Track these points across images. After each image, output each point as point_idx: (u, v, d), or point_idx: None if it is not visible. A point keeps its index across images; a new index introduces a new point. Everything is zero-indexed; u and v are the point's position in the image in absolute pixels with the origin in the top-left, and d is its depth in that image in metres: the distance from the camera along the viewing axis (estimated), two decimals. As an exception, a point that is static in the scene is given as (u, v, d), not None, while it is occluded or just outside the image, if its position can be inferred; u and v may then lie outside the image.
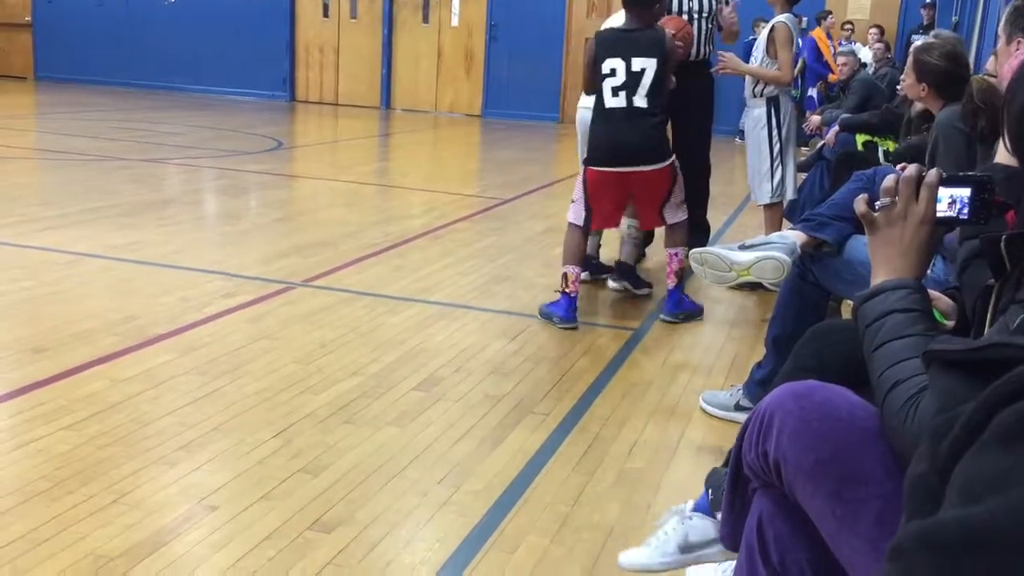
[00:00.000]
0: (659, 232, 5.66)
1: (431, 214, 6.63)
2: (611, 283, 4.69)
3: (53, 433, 2.73)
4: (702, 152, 5.43)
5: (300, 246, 5.30)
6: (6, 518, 2.25)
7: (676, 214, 4.29)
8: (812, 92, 10.83)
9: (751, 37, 8.64)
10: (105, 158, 8.22)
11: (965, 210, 1.36)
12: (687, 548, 2.17)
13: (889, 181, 1.42)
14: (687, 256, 3.99)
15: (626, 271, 4.67)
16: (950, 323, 1.79)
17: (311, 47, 15.62)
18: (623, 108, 4.08)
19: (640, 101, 4.08)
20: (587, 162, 4.18)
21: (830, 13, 12.07)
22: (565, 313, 4.10)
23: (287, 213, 6.60)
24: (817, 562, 1.39)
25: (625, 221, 4.66)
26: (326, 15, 15.44)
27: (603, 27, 4.42)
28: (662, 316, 4.28)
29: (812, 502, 1.33)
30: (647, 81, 4.07)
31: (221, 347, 3.54)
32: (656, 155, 4.14)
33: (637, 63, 4.07)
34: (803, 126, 7.59)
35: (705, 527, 2.17)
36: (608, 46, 4.12)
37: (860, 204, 1.43)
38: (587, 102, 4.51)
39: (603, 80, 4.10)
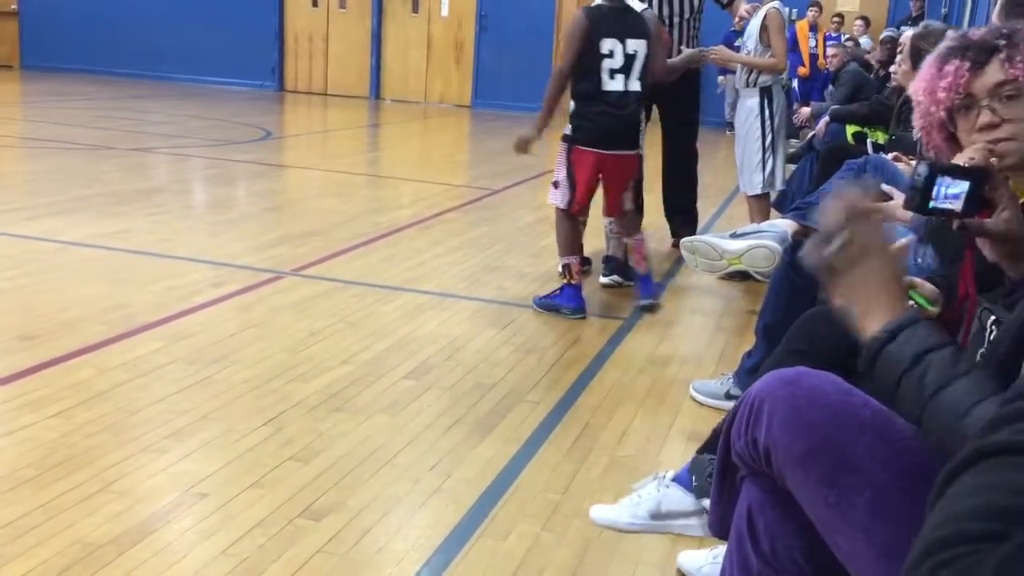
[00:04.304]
0: (646, 223, 5.67)
1: (421, 204, 6.61)
2: (603, 279, 4.65)
3: (41, 421, 2.71)
4: (689, 140, 5.50)
5: (290, 235, 5.28)
6: (-6, 505, 2.24)
7: (628, 201, 4.29)
8: (794, 83, 10.84)
9: (731, 28, 8.63)
10: (92, 147, 8.16)
11: (959, 203, 1.36)
12: (658, 515, 2.18)
13: (829, 216, 1.29)
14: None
15: (614, 265, 4.66)
16: (935, 309, 1.79)
17: (300, 36, 15.55)
18: (620, 92, 4.03)
19: (634, 84, 4.05)
20: (574, 141, 4.08)
21: (818, 5, 12.07)
22: (576, 303, 4.08)
23: (276, 202, 6.57)
24: (809, 549, 1.39)
25: (607, 219, 4.65)
26: (315, 4, 15.36)
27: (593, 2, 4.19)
28: (642, 303, 4.24)
29: (804, 490, 1.33)
30: (639, 64, 4.05)
31: (210, 336, 3.52)
32: (636, 140, 4.17)
33: (631, 45, 4.02)
34: (792, 118, 7.61)
35: (680, 499, 2.18)
36: (604, 25, 4.00)
37: (811, 255, 1.29)
38: None
39: (601, 60, 4.00)
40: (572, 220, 4.18)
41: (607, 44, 4.00)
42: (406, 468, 2.58)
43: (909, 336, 1.24)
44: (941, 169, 1.36)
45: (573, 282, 4.11)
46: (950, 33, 1.77)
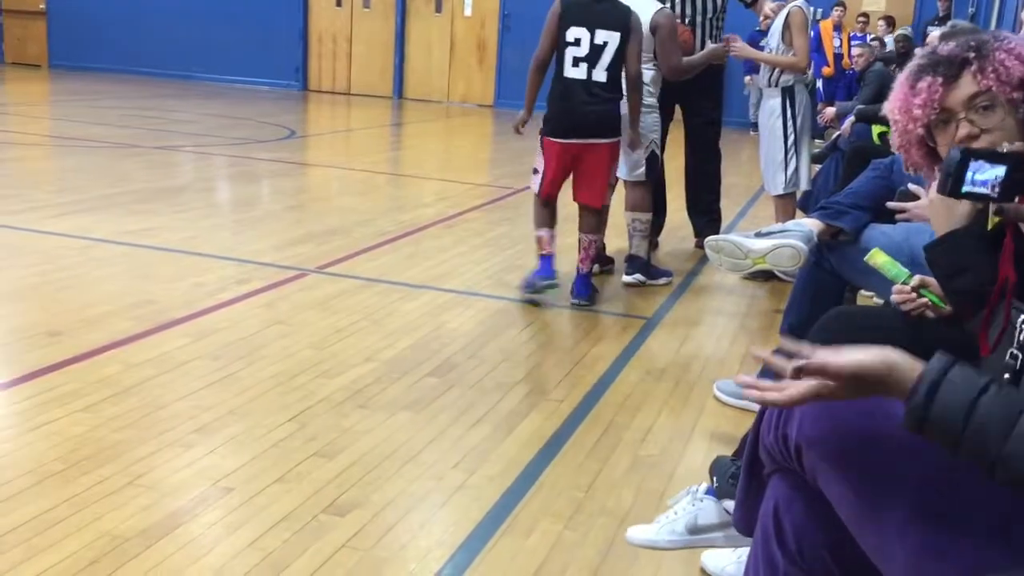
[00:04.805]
0: (670, 222, 5.66)
1: (443, 203, 6.62)
2: (625, 278, 4.64)
3: (68, 416, 2.74)
4: (712, 139, 5.48)
5: (313, 233, 5.30)
6: (21, 498, 2.26)
7: (608, 195, 4.32)
8: (819, 83, 10.78)
9: (756, 28, 8.59)
10: (119, 145, 8.23)
11: (996, 188, 1.35)
12: (695, 530, 2.17)
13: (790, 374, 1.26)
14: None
15: (639, 264, 4.64)
16: (948, 308, 1.78)
17: (324, 36, 15.61)
18: (582, 80, 4.06)
19: (599, 75, 4.06)
20: (542, 132, 4.20)
21: (842, 5, 11.99)
22: (544, 272, 4.17)
23: (300, 201, 6.61)
24: (837, 548, 1.38)
25: (629, 215, 4.64)
26: (339, 4, 15.42)
27: None
28: (573, 300, 4.20)
29: (836, 487, 1.32)
30: (608, 55, 4.05)
31: (236, 332, 3.54)
32: (607, 129, 4.14)
33: (601, 35, 4.04)
34: (817, 118, 7.56)
35: (716, 511, 2.17)
36: (574, 14, 4.07)
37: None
38: None
39: (565, 48, 4.07)
40: (544, 204, 4.28)
41: (573, 32, 4.05)
42: (430, 465, 2.59)
43: (949, 390, 1.17)
44: (974, 153, 1.36)
45: (543, 252, 4.21)
46: (918, 51, 1.78)
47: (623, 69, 4.12)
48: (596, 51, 4.04)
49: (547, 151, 4.19)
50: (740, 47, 4.90)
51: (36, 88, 13.76)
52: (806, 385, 1.21)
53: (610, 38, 4.04)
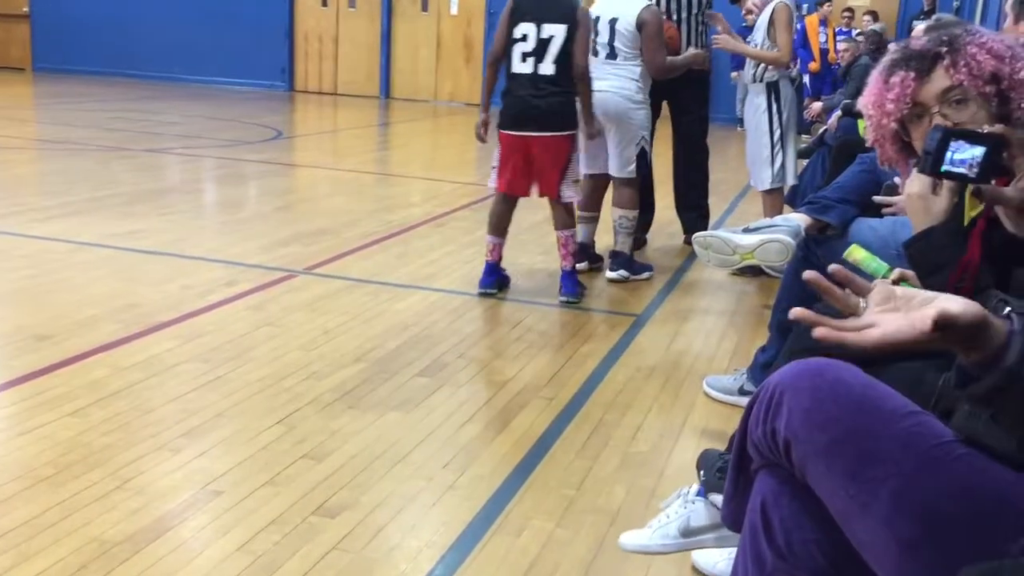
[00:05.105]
0: (658, 219, 5.67)
1: (432, 202, 6.62)
2: (609, 273, 4.66)
3: (57, 420, 2.72)
4: (699, 135, 5.49)
5: (301, 234, 5.29)
6: (11, 503, 2.25)
7: (568, 192, 4.28)
8: (806, 79, 10.81)
9: (743, 24, 8.61)
10: (104, 148, 8.20)
11: (975, 168, 1.36)
12: (688, 532, 2.17)
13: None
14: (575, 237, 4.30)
15: (622, 260, 4.66)
16: None
17: (310, 36, 15.58)
18: (529, 75, 4.12)
19: (546, 69, 4.10)
20: (499, 126, 4.27)
21: (828, 0, 12.02)
22: (483, 280, 4.26)
23: (288, 202, 6.59)
24: (827, 543, 1.38)
25: (616, 211, 4.65)
26: (325, 4, 15.39)
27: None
28: (562, 298, 4.22)
29: (824, 482, 1.32)
30: (554, 49, 4.09)
31: (224, 335, 3.53)
32: (556, 123, 4.16)
33: (547, 29, 4.09)
34: (803, 113, 7.59)
35: (707, 512, 2.18)
36: (523, 10, 4.14)
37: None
38: None
39: (514, 44, 4.13)
40: (501, 201, 4.33)
41: (522, 28, 4.13)
42: (420, 465, 2.58)
43: None
44: (955, 133, 1.36)
45: (488, 259, 4.29)
46: (892, 46, 1.80)
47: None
48: (543, 45, 4.09)
49: (502, 143, 4.25)
50: (724, 39, 4.91)
51: (20, 91, 13.69)
52: (895, 332, 1.07)
53: (556, 31, 4.09)
